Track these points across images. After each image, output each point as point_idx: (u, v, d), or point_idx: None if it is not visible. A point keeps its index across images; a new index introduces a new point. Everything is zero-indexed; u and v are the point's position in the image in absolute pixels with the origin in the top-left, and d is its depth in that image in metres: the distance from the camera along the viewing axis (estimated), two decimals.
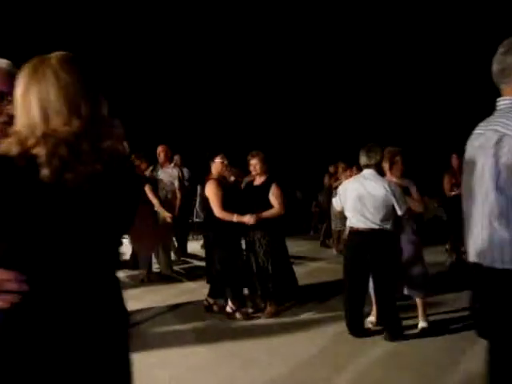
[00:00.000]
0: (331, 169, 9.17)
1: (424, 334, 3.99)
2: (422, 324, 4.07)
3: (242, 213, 4.48)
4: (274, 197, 4.56)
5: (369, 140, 4.25)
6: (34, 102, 1.12)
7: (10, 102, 1.40)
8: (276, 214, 4.56)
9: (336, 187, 8.34)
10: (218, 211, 4.50)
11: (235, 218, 4.45)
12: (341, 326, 4.09)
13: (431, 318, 4.34)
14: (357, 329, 3.95)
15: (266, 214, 4.52)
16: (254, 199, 4.63)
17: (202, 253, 8.18)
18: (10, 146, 1.08)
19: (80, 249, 1.15)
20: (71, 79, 1.14)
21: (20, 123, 1.13)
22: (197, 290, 5.49)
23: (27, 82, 1.15)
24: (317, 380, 3.21)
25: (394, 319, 3.94)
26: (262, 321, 4.46)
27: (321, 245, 8.99)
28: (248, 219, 4.43)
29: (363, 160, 3.98)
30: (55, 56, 1.18)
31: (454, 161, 7.01)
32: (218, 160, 4.72)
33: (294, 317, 4.55)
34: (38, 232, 1.10)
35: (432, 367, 3.36)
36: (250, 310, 4.66)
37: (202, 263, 7.17)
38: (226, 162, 4.79)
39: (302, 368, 3.38)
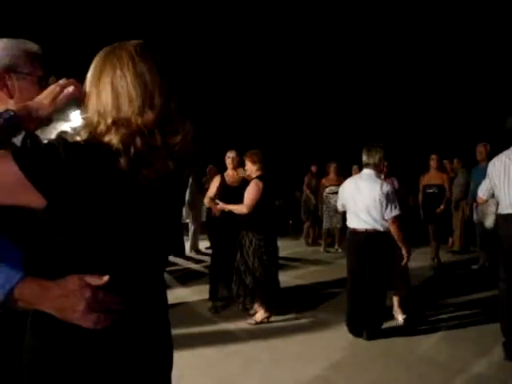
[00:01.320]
0: (313, 168, 9.17)
1: (422, 332, 4.02)
2: (400, 318, 4.23)
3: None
4: (246, 193, 4.43)
5: (366, 140, 4.25)
6: (107, 87, 1.06)
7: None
8: (239, 210, 4.40)
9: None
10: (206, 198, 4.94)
11: (206, 200, 4.90)
12: (340, 326, 4.10)
13: (431, 318, 4.36)
14: (357, 328, 3.96)
15: (231, 206, 4.47)
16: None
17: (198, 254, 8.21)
18: (80, 132, 1.02)
19: (144, 249, 1.11)
20: (147, 67, 1.07)
21: (91, 109, 1.08)
22: (197, 291, 5.50)
23: (101, 65, 1.08)
24: (317, 379, 3.23)
25: (379, 320, 3.97)
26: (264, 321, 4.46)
27: (312, 244, 9.10)
28: (212, 203, 4.77)
29: (363, 159, 4.01)
30: (132, 42, 1.11)
31: (433, 162, 7.02)
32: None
33: (294, 317, 4.56)
34: (111, 226, 1.02)
35: (431, 366, 3.38)
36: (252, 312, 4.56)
37: (201, 265, 7.20)
38: (230, 156, 4.93)
39: (303, 367, 3.40)
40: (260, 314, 4.42)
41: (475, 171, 6.25)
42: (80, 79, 1.17)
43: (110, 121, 1.02)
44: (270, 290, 4.46)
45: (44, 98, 1.15)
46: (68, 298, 0.99)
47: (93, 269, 1.03)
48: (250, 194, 4.37)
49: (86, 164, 0.96)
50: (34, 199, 0.94)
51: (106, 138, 1.00)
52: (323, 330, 4.19)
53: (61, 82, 1.17)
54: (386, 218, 3.82)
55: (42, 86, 1.36)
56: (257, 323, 4.35)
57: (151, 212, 1.09)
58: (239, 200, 4.43)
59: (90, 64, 1.13)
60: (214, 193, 4.77)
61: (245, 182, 4.79)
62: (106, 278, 1.00)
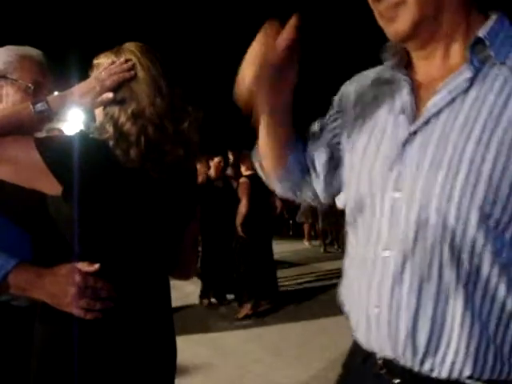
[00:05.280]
0: None
1: None
2: None
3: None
4: (240, 194, 4.55)
5: None
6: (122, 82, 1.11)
7: (46, 94, 1.33)
8: (240, 216, 4.46)
9: None
10: None
11: None
12: (341, 325, 4.08)
13: None
14: None
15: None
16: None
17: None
18: (104, 124, 1.07)
19: (149, 242, 1.13)
20: (151, 61, 1.13)
21: (108, 104, 1.12)
22: (197, 291, 5.49)
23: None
24: (318, 379, 3.22)
25: None
26: (264, 321, 4.47)
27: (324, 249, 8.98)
28: None
29: None
30: (132, 43, 1.17)
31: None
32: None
33: (294, 317, 4.56)
34: (114, 218, 1.07)
35: None
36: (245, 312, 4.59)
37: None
38: (213, 161, 5.02)
39: (304, 368, 3.39)
40: (241, 311, 4.53)
41: None
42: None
43: (130, 111, 1.07)
44: (253, 286, 4.53)
45: (86, 92, 1.09)
46: (59, 284, 1.02)
47: (97, 259, 1.05)
48: (243, 193, 4.49)
49: (99, 159, 1.04)
50: (50, 186, 1.02)
51: (126, 128, 1.06)
52: (323, 329, 4.18)
53: (103, 75, 1.10)
54: None
55: (40, 92, 1.34)
56: (238, 319, 4.44)
57: (160, 203, 1.13)
58: (224, 200, 4.59)
59: (91, 65, 1.18)
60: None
61: (227, 183, 4.92)
62: (96, 265, 1.03)
